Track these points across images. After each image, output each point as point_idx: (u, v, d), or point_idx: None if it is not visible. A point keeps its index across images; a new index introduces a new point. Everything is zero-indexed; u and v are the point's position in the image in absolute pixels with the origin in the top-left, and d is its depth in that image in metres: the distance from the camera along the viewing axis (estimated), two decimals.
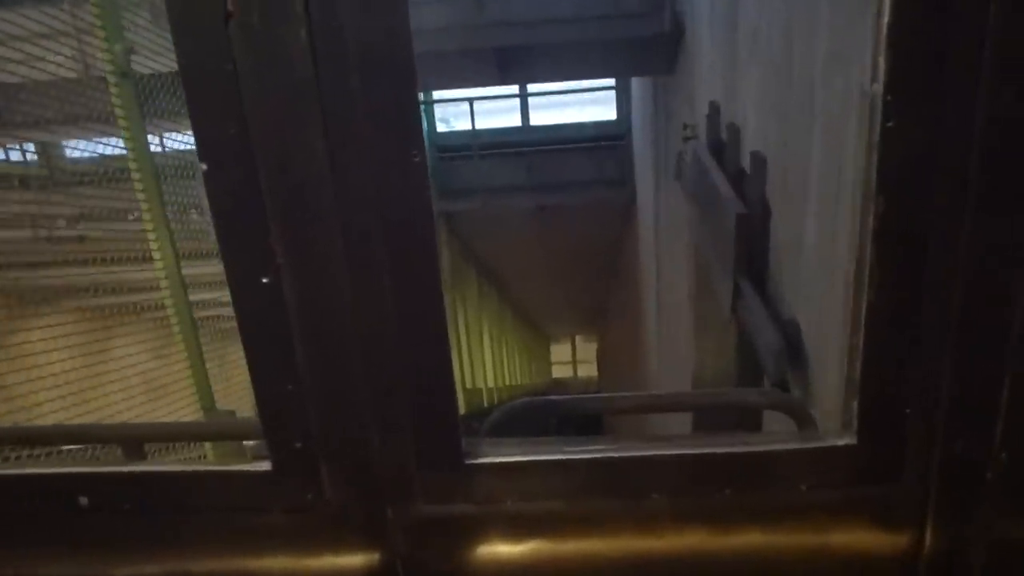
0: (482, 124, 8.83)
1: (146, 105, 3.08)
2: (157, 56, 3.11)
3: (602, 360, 21.49)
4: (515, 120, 9.10)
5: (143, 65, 3.06)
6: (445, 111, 8.97)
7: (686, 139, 2.86)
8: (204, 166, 0.63)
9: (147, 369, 3.55)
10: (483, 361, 11.21)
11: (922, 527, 0.74)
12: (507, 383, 14.85)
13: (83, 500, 0.70)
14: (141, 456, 0.96)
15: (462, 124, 8.80)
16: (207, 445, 3.19)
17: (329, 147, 0.64)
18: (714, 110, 2.56)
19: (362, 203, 0.64)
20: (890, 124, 0.67)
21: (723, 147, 2.33)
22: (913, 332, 0.71)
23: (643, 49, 4.34)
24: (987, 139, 0.66)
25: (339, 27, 0.61)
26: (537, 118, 9.42)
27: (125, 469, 0.72)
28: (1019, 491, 0.75)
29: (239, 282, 0.65)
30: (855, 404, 0.73)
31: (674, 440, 0.76)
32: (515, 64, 4.72)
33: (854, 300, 0.72)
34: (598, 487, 0.71)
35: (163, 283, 3.15)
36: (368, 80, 0.62)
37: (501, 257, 11.54)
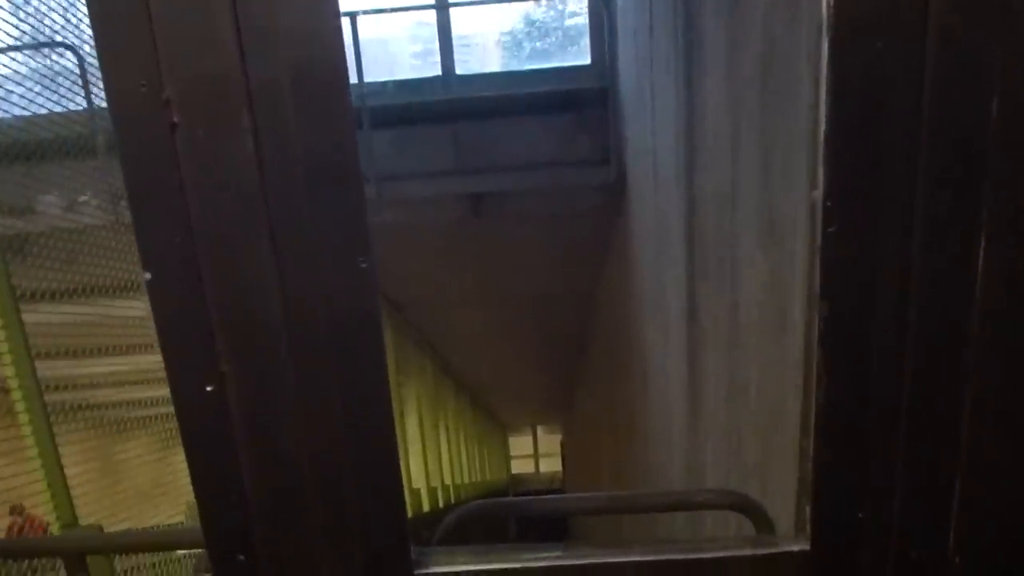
0: (376, 73, 8.64)
1: None
2: None
3: (568, 453, 23.23)
4: (432, 67, 9.01)
5: None
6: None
7: None
8: (148, 275, 1.05)
9: None
10: (406, 454, 11.70)
11: None
12: (455, 481, 15.87)
13: None
14: (84, 570, 1.33)
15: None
16: None
17: (276, 255, 1.07)
18: None
19: (309, 310, 1.08)
20: (831, 229, 1.14)
21: None
22: (863, 435, 1.19)
23: None
24: (927, 241, 1.14)
25: (286, 139, 1.05)
26: (466, 64, 9.26)
27: None
28: None
29: (182, 390, 1.06)
30: (808, 508, 1.19)
31: (630, 546, 1.21)
32: None
33: (803, 402, 1.19)
34: None
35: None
36: (315, 189, 1.06)
37: (421, 295, 11.72)
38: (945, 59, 1.07)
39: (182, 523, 6.15)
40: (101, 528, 4.25)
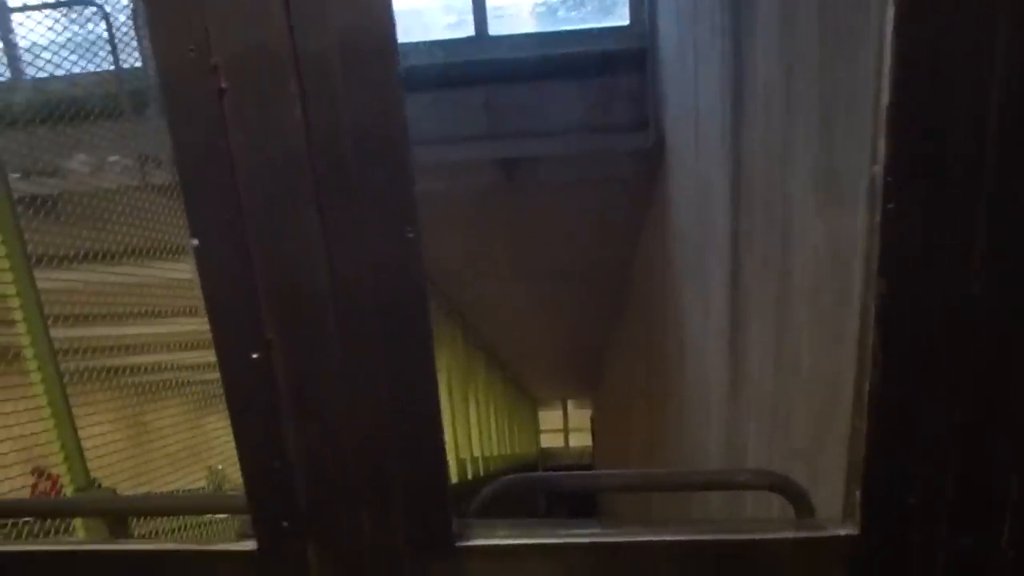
0: (408, 29, 8.63)
1: None
2: None
3: (598, 428, 23.92)
4: (465, 28, 8.93)
5: None
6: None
7: None
8: (195, 241, 1.08)
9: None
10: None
11: None
12: (484, 454, 16.71)
13: None
14: (125, 531, 1.39)
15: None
16: None
17: (322, 223, 1.09)
18: None
19: (355, 279, 1.10)
20: (891, 205, 1.14)
21: None
22: (918, 416, 1.19)
23: None
24: (991, 219, 1.14)
25: (334, 105, 1.07)
26: (500, 26, 9.11)
27: (109, 547, 1.16)
28: None
29: (228, 356, 1.10)
30: (858, 492, 1.20)
31: (671, 525, 1.23)
32: None
33: (856, 382, 1.20)
34: (593, 573, 1.18)
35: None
36: (362, 157, 1.08)
37: (451, 264, 11.76)
38: (1018, 26, 1.05)
39: (204, 488, 6.33)
40: (115, 491, 4.41)
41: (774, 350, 3.99)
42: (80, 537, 3.70)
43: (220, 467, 6.06)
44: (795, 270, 3.52)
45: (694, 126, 6.43)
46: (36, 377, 4.16)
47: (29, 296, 4.10)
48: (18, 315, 4.08)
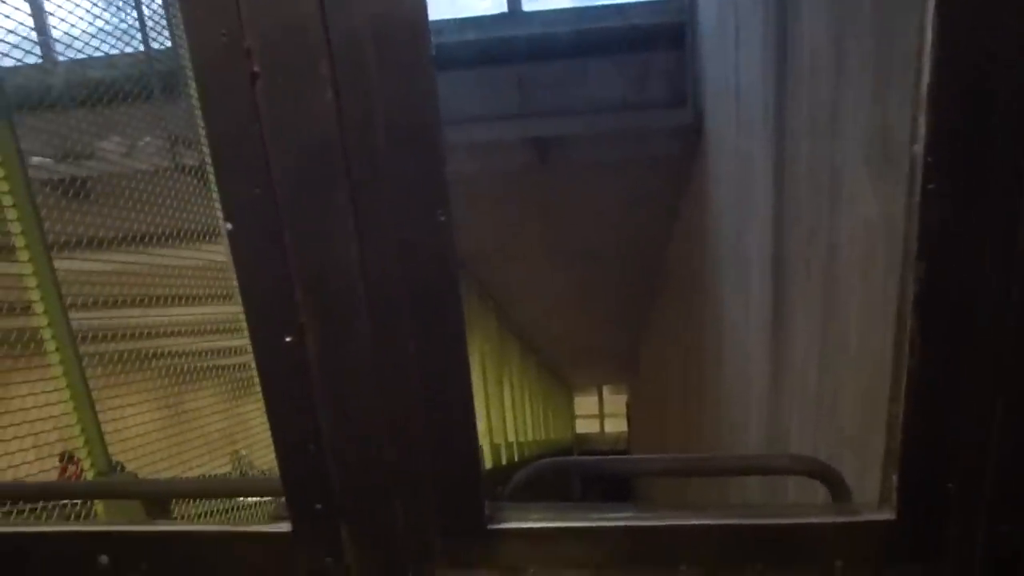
0: (440, 11, 8.60)
1: None
2: None
3: (634, 414, 24.29)
4: (497, 4, 8.89)
5: None
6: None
7: None
8: (229, 225, 1.11)
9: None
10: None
11: None
12: (519, 439, 17.14)
13: (103, 559, 1.18)
14: (165, 513, 1.45)
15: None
16: None
17: (354, 207, 1.11)
18: None
19: (387, 263, 1.12)
20: (931, 186, 1.14)
21: None
22: (957, 402, 1.20)
23: None
24: None
25: (366, 89, 1.09)
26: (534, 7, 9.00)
27: (146, 528, 1.21)
28: None
29: (262, 340, 1.12)
30: (895, 477, 1.21)
31: (705, 509, 1.25)
32: None
33: (894, 366, 1.21)
34: (626, 557, 1.20)
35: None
36: (394, 140, 1.10)
37: (483, 247, 11.79)
38: None
39: (229, 473, 6.47)
40: (136, 475, 4.51)
41: (820, 329, 3.94)
42: (111, 519, 3.79)
43: (244, 452, 6.18)
44: (843, 243, 3.49)
45: (735, 100, 6.40)
46: (55, 359, 4.23)
47: (47, 279, 4.17)
48: (35, 296, 4.16)
